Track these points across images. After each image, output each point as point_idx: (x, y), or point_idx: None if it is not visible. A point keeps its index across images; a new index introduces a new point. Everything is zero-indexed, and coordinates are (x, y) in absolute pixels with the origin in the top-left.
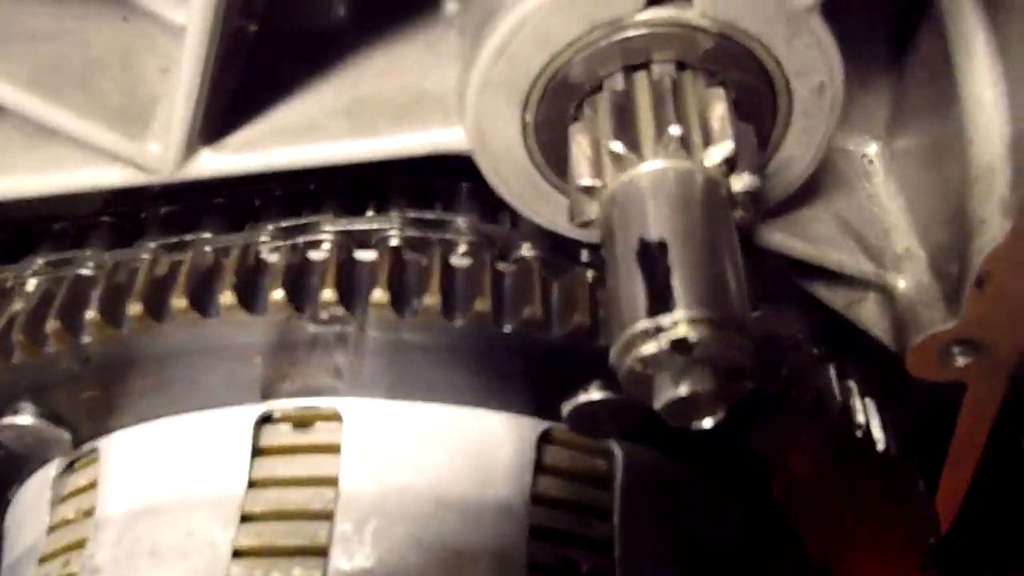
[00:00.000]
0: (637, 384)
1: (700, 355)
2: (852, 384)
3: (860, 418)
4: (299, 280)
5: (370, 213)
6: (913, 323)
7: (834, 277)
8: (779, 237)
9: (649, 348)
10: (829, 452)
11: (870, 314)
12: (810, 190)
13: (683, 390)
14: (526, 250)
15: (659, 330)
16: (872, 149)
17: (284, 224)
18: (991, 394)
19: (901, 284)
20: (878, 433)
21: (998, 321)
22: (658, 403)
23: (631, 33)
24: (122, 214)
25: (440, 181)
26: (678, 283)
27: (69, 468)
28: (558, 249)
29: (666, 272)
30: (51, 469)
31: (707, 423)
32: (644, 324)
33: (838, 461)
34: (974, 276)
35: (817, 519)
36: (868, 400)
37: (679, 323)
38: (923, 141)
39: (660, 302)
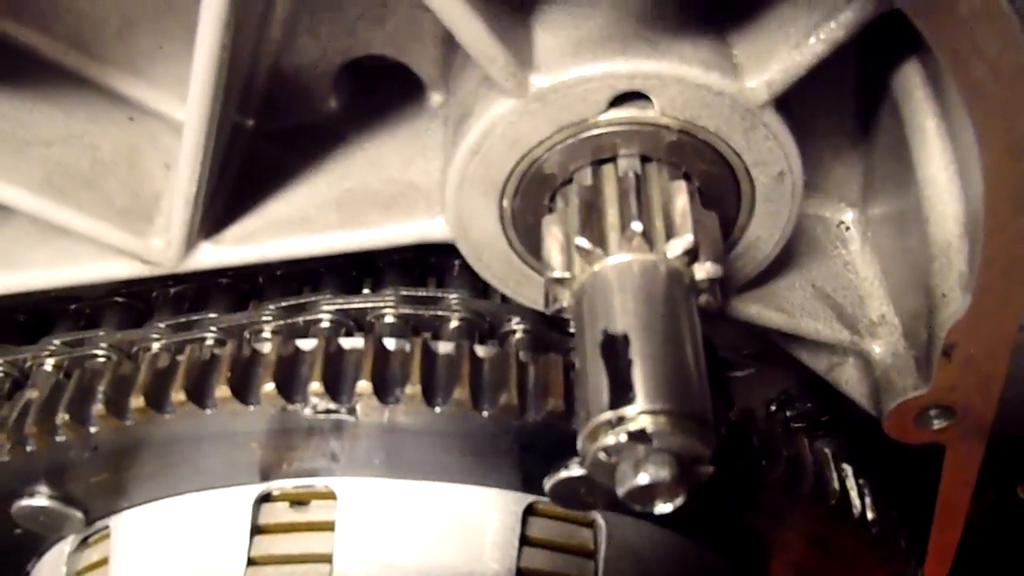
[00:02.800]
0: (602, 470)
1: (659, 445)
2: (827, 450)
3: (835, 485)
4: (290, 371)
5: (366, 291)
6: (888, 388)
7: (814, 342)
8: (755, 309)
9: (611, 438)
10: (809, 521)
11: (849, 378)
12: (786, 260)
13: (643, 478)
14: (514, 324)
15: (620, 421)
16: (849, 216)
17: (284, 303)
18: (971, 454)
19: (877, 350)
20: (855, 499)
21: (968, 387)
22: (621, 489)
23: (596, 132)
24: (134, 294)
25: (433, 257)
26: (639, 376)
27: (83, 544)
28: (547, 321)
29: (628, 365)
30: (66, 545)
31: (668, 507)
32: (607, 415)
33: (818, 528)
34: (940, 346)
35: None
36: (844, 465)
37: (639, 415)
38: (893, 210)
39: (621, 394)
